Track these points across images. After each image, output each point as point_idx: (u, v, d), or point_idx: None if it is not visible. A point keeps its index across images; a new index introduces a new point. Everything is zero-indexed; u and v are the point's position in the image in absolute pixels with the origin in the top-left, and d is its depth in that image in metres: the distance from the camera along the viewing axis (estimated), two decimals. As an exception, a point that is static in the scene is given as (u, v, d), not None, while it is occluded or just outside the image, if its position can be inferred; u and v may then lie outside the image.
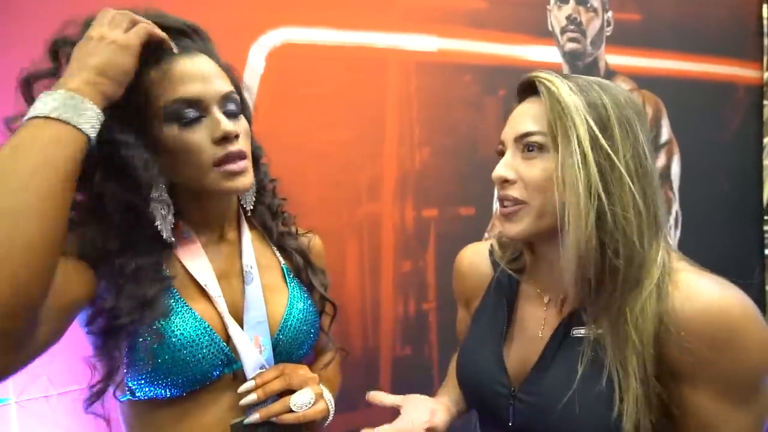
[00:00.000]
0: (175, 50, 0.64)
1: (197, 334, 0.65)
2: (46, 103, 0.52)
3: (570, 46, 1.41)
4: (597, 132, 0.60)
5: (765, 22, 1.68)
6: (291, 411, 0.69)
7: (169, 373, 0.64)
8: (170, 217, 0.66)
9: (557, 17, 1.40)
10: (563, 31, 1.40)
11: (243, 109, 0.72)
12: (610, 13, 1.46)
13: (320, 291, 0.81)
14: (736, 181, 1.67)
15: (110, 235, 0.63)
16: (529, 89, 0.68)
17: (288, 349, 0.75)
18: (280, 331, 0.74)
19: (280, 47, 1.15)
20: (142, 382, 0.64)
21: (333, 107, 1.18)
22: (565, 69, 1.41)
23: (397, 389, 1.24)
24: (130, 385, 0.65)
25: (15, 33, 0.91)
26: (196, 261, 0.70)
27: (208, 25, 0.75)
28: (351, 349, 1.21)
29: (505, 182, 0.66)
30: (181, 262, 0.69)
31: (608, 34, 1.46)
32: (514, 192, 0.65)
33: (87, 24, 0.61)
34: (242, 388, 0.68)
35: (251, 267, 0.75)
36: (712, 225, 1.64)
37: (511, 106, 0.71)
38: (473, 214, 1.31)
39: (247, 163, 0.68)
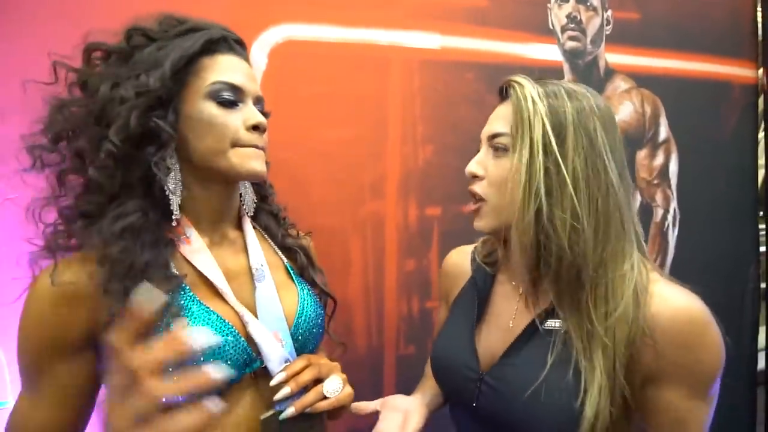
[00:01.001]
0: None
1: (223, 335, 0.65)
2: None
3: (570, 44, 1.42)
4: (551, 137, 0.64)
5: (760, 22, 1.70)
6: (324, 398, 0.69)
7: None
8: (180, 193, 0.67)
9: (558, 15, 1.40)
10: (564, 29, 1.41)
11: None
12: (609, 12, 1.46)
13: (322, 287, 0.83)
14: (733, 179, 1.69)
15: (127, 229, 0.62)
16: (506, 91, 0.73)
17: (302, 345, 0.75)
18: (295, 327, 0.74)
19: (282, 44, 1.14)
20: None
21: (335, 105, 1.18)
22: (566, 67, 1.41)
23: (401, 387, 1.24)
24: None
25: (17, 33, 0.90)
26: (204, 260, 0.69)
27: (211, 20, 0.75)
28: (355, 348, 1.20)
29: (474, 177, 0.72)
30: (188, 262, 0.68)
31: (608, 32, 1.47)
32: (477, 188, 0.71)
33: (126, 32, 0.67)
34: (274, 381, 0.67)
35: (262, 265, 0.75)
36: (709, 222, 1.66)
37: (497, 104, 0.75)
38: (476, 213, 1.31)
39: (265, 156, 0.71)
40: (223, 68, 0.68)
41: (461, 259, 0.87)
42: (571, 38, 1.42)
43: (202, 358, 0.62)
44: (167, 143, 0.65)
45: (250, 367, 0.68)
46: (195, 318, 0.64)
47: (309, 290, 0.80)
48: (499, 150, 0.69)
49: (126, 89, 0.63)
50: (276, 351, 0.69)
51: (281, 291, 0.76)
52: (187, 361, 0.61)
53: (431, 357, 0.81)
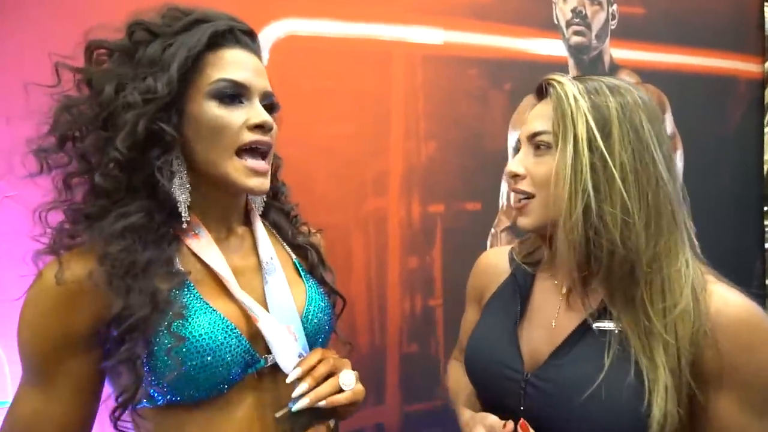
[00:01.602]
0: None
1: (224, 336, 0.63)
2: None
3: (575, 39, 1.40)
4: (595, 132, 0.64)
5: (766, 16, 1.68)
6: (340, 391, 0.67)
7: (194, 378, 0.61)
8: (187, 194, 0.66)
9: (563, 10, 1.38)
10: (569, 24, 1.39)
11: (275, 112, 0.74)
12: (614, 7, 1.45)
13: (331, 285, 0.81)
14: (738, 174, 1.68)
15: (129, 228, 0.61)
16: (545, 90, 0.72)
17: (311, 343, 0.74)
18: (302, 323, 0.73)
19: (284, 39, 1.13)
20: (165, 389, 0.61)
21: (338, 101, 1.16)
22: (571, 62, 1.40)
23: (403, 386, 1.23)
24: (151, 392, 0.62)
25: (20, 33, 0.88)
26: (213, 256, 0.68)
27: (218, 10, 0.74)
28: (358, 346, 1.19)
29: (515, 176, 0.71)
30: (196, 257, 0.67)
31: (613, 27, 1.45)
32: (523, 185, 0.70)
33: (128, 27, 0.65)
34: (290, 378, 0.65)
35: (272, 258, 0.74)
36: (714, 218, 1.64)
37: (532, 104, 0.75)
38: (479, 209, 1.30)
39: (268, 168, 0.69)
40: (227, 64, 0.66)
41: (498, 259, 0.87)
42: (577, 33, 1.40)
43: (204, 359, 0.61)
44: (171, 147, 0.64)
45: (252, 368, 0.67)
46: (197, 317, 0.62)
47: (317, 287, 0.79)
48: (541, 148, 0.69)
49: (133, 95, 0.61)
50: (289, 345, 0.67)
51: (290, 287, 0.74)
52: (188, 360, 0.60)
53: (466, 359, 0.79)
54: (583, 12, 1.40)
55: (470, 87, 1.28)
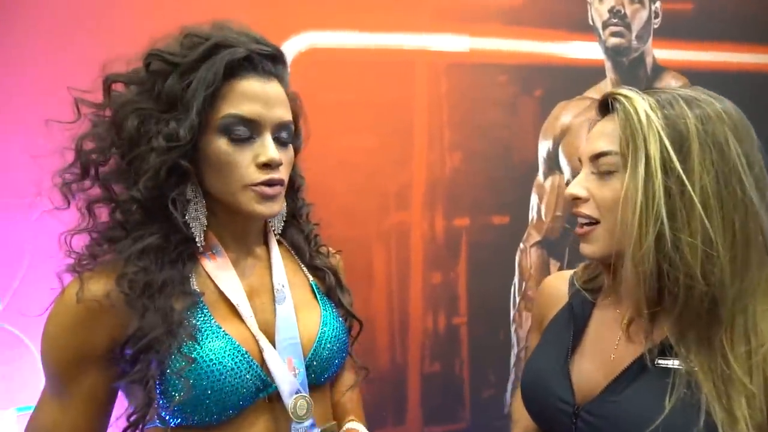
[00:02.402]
0: None
1: (235, 361, 0.62)
2: None
3: (613, 41, 1.31)
4: (670, 152, 0.57)
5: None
6: None
7: (204, 401, 0.60)
8: (203, 219, 0.66)
9: (599, 10, 1.30)
10: (605, 25, 1.30)
11: (295, 138, 0.73)
12: (657, 4, 1.35)
13: (348, 308, 0.78)
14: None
15: (147, 249, 0.62)
16: (608, 105, 0.65)
17: (322, 368, 0.71)
18: (315, 349, 0.71)
19: (306, 52, 1.12)
20: (175, 411, 0.61)
21: (359, 112, 1.14)
22: (608, 65, 1.31)
23: (425, 406, 1.19)
24: (162, 413, 0.61)
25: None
26: (227, 278, 0.67)
27: (238, 28, 0.73)
28: (378, 363, 1.16)
29: (577, 200, 0.65)
30: (211, 280, 0.67)
31: (656, 26, 1.35)
32: (586, 210, 0.64)
33: (145, 58, 0.64)
34: None
35: (283, 286, 0.72)
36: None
37: (592, 120, 0.69)
38: (507, 223, 1.23)
39: (280, 190, 0.68)
40: (238, 97, 0.64)
41: (559, 283, 0.81)
42: (614, 34, 1.31)
43: (214, 384, 0.60)
44: (187, 178, 0.64)
45: (264, 392, 0.65)
46: (209, 341, 0.62)
47: (333, 311, 0.76)
48: (605, 171, 0.62)
49: (158, 140, 0.61)
50: (288, 381, 0.66)
51: (304, 311, 0.73)
52: (198, 384, 0.59)
53: (521, 388, 0.75)
54: (622, 11, 1.31)
55: (498, 94, 1.23)
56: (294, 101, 0.73)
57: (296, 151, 0.75)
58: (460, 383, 1.20)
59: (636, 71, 1.33)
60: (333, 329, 0.73)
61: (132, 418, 0.61)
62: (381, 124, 1.16)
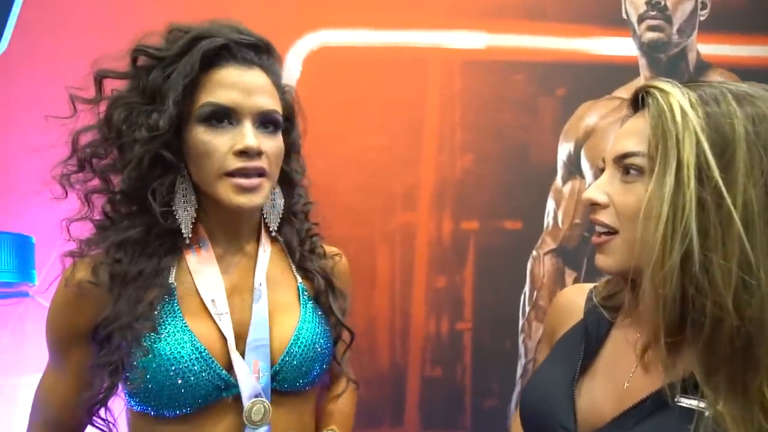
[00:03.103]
0: None
1: (191, 359, 0.63)
2: None
3: (650, 35, 1.21)
4: (709, 158, 0.49)
5: None
6: None
7: (157, 394, 0.62)
8: (191, 211, 0.67)
9: (634, 3, 1.20)
10: (642, 18, 1.20)
11: (288, 131, 0.72)
12: (706, -6, 1.22)
13: (337, 317, 0.74)
14: None
15: (126, 241, 0.65)
16: (641, 100, 0.57)
17: (292, 375, 0.69)
18: (285, 355, 0.69)
19: (317, 51, 1.13)
20: (138, 399, 0.64)
21: (369, 111, 1.14)
22: (643, 62, 1.21)
23: (424, 409, 1.17)
24: (126, 397, 0.65)
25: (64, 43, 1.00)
26: (207, 274, 0.68)
27: (222, 21, 0.75)
28: (377, 363, 1.16)
29: (595, 205, 0.58)
30: (191, 274, 0.68)
31: (702, 18, 1.22)
32: (604, 217, 0.57)
33: (131, 54, 0.66)
34: None
35: (261, 284, 0.72)
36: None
37: (624, 118, 0.62)
38: (520, 229, 1.18)
39: (262, 182, 0.66)
40: (215, 86, 0.65)
41: (576, 296, 0.74)
42: (652, 28, 1.20)
43: (168, 378, 0.62)
44: (171, 169, 0.66)
45: (228, 391, 0.65)
46: (169, 334, 0.63)
47: (318, 316, 0.74)
48: (630, 173, 0.55)
49: (140, 131, 0.64)
50: (249, 384, 0.65)
51: (280, 314, 0.71)
52: (152, 375, 0.61)
53: (520, 405, 0.70)
54: (662, 3, 1.20)
55: (516, 94, 1.17)
56: (286, 93, 0.72)
57: (293, 145, 0.74)
58: (461, 390, 1.17)
59: (676, 68, 1.22)
60: (310, 335, 0.71)
61: (94, 399, 0.64)
62: (391, 123, 1.15)
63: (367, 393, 1.14)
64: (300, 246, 0.77)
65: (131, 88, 0.67)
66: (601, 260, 0.58)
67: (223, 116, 0.64)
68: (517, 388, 1.18)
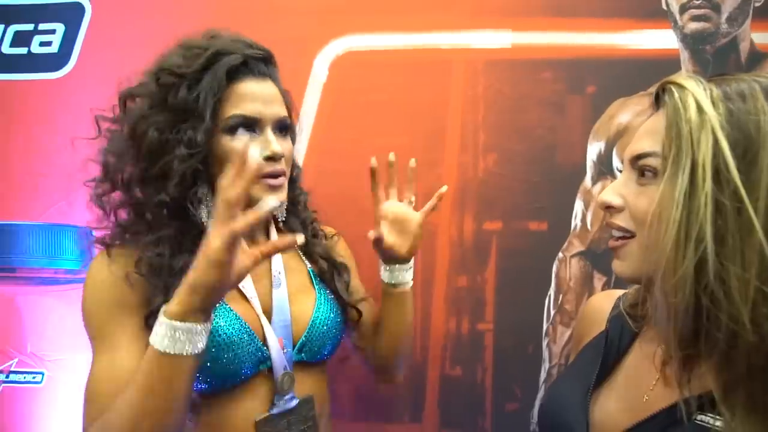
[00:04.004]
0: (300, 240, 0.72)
1: (240, 334, 0.72)
2: (161, 337, 0.58)
3: (694, 26, 1.13)
4: (728, 159, 0.46)
5: None
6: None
7: (212, 370, 0.71)
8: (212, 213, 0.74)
9: (676, -8, 1.13)
10: (685, 7, 1.12)
11: (290, 131, 0.81)
12: (762, -22, 1.12)
13: (341, 294, 0.85)
14: None
15: (163, 239, 0.72)
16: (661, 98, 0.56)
17: (316, 346, 0.79)
18: (308, 331, 0.79)
19: (343, 56, 1.17)
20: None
21: (392, 113, 1.16)
22: (684, 56, 1.13)
23: (443, 408, 1.18)
24: None
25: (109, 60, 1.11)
26: None
27: (275, 38, 0.82)
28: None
29: (609, 208, 0.57)
30: None
31: (758, 3, 1.12)
32: (619, 220, 0.55)
33: (153, 74, 0.72)
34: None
35: (279, 272, 0.82)
36: None
37: (648, 114, 0.61)
38: (546, 230, 1.15)
39: (284, 181, 0.76)
40: (238, 99, 0.72)
41: (604, 303, 0.72)
42: (696, 18, 1.12)
43: (221, 352, 0.69)
44: (198, 180, 0.72)
45: (264, 364, 0.75)
46: (218, 317, 0.71)
47: (328, 295, 0.84)
48: (645, 175, 0.53)
49: (180, 149, 0.69)
50: (280, 357, 0.75)
51: (299, 295, 0.81)
52: (209, 354, 0.66)
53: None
54: (708, -9, 1.11)
55: (542, 92, 1.14)
56: (286, 97, 0.80)
57: (293, 143, 0.82)
58: (481, 392, 1.17)
59: (724, 60, 1.13)
60: (326, 312, 0.81)
61: None
62: (413, 125, 1.16)
63: (387, 387, 1.17)
64: (304, 232, 0.86)
65: (153, 105, 0.72)
66: (617, 265, 0.56)
67: (248, 125, 0.72)
68: (540, 393, 1.16)
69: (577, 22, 1.13)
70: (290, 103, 0.81)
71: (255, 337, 0.73)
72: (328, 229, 0.94)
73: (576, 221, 1.15)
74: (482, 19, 1.14)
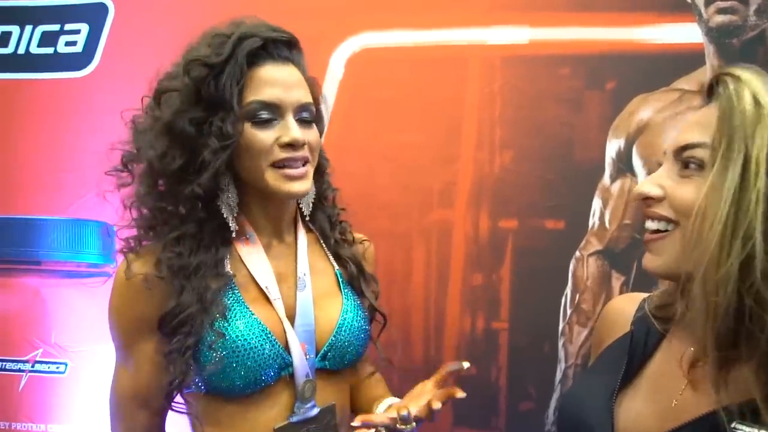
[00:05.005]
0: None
1: (260, 340, 0.69)
2: None
3: (719, 19, 1.09)
4: None
5: None
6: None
7: (230, 374, 0.68)
8: (233, 206, 0.72)
9: (701, -16, 1.10)
10: (710, 0, 1.09)
11: (318, 121, 0.77)
12: (793, -31, 1.08)
13: (371, 301, 0.81)
14: None
15: (184, 236, 0.70)
16: (713, 89, 0.54)
17: (340, 353, 0.76)
18: (333, 337, 0.75)
19: (359, 53, 1.18)
20: (207, 379, 0.67)
21: (408, 109, 1.16)
22: (710, 50, 1.10)
23: (456, 406, 1.17)
24: (195, 380, 0.68)
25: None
26: (259, 262, 0.74)
27: (258, 20, 0.77)
28: (411, 360, 1.19)
29: (648, 199, 0.54)
30: (243, 263, 0.74)
31: (789, -4, 1.09)
32: (661, 209, 0.53)
33: (184, 67, 0.70)
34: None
35: (305, 274, 0.78)
36: None
37: (694, 108, 0.60)
38: (562, 228, 1.14)
39: (307, 169, 0.72)
40: (259, 84, 0.69)
41: (626, 305, 0.70)
42: (723, 11, 1.09)
43: (239, 358, 0.67)
44: (225, 168, 0.70)
45: (285, 370, 0.71)
46: (237, 319, 0.69)
47: (356, 301, 0.79)
48: (690, 167, 0.51)
49: (213, 141, 0.68)
50: (302, 363, 0.72)
51: (325, 299, 0.77)
52: (226, 357, 0.66)
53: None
54: (735, -17, 1.08)
55: (560, 89, 1.13)
56: (312, 85, 0.75)
57: (321, 134, 0.77)
58: (495, 391, 1.16)
59: (752, 54, 1.09)
60: (353, 319, 0.76)
61: (173, 384, 0.68)
62: (429, 121, 1.16)
63: (400, 385, 1.17)
64: (332, 230, 0.83)
65: (187, 100, 0.70)
66: (650, 260, 0.54)
67: (268, 112, 0.69)
68: (556, 394, 1.14)
69: (596, 17, 1.11)
70: (316, 91, 0.77)
71: (277, 343, 0.69)
72: (358, 235, 0.88)
73: (594, 219, 1.13)
74: (499, 15, 1.13)
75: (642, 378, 0.59)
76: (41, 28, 1.22)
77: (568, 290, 1.14)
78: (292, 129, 0.69)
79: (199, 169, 0.69)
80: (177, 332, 0.67)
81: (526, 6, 1.13)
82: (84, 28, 1.21)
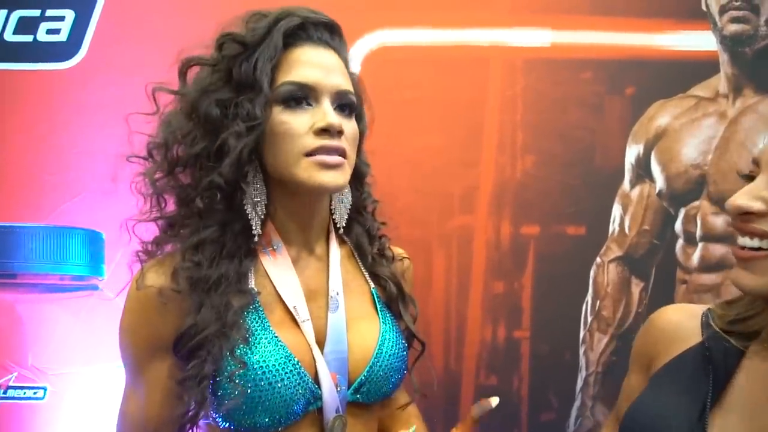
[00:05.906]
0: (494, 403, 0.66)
1: (286, 371, 0.60)
2: None
3: (734, 28, 1.12)
4: None
5: None
6: None
7: (252, 409, 0.59)
8: (262, 207, 0.64)
9: (716, -7, 1.12)
10: (724, 9, 1.11)
11: (358, 119, 0.69)
12: (799, -19, 1.12)
13: (409, 325, 0.71)
14: None
15: (204, 242, 0.62)
16: None
17: (378, 385, 0.66)
18: (371, 366, 0.66)
19: (376, 51, 1.12)
20: (228, 414, 0.59)
21: (427, 111, 1.12)
22: (724, 58, 1.12)
23: (478, 419, 1.14)
24: (213, 415, 0.61)
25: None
26: (286, 278, 0.65)
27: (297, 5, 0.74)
28: (430, 370, 1.14)
29: (746, 214, 0.51)
30: (269, 278, 0.65)
31: (796, 8, 1.12)
32: (763, 225, 0.50)
33: (217, 40, 0.64)
34: None
35: (338, 293, 0.68)
36: None
37: None
38: (584, 234, 1.12)
39: (343, 161, 0.63)
40: (294, 65, 0.62)
41: (684, 319, 0.67)
42: (736, 20, 1.11)
43: (263, 393, 0.59)
44: (252, 159, 0.62)
45: (314, 404, 0.62)
46: (261, 345, 0.60)
47: (394, 324, 0.70)
48: None
49: (239, 124, 0.61)
50: (333, 397, 0.63)
51: (360, 322, 0.68)
52: (247, 390, 0.58)
53: (626, 423, 0.63)
54: (748, -7, 1.11)
55: (581, 93, 1.12)
56: (356, 82, 0.68)
57: (362, 135, 0.69)
58: (517, 401, 1.13)
59: (764, 62, 1.12)
60: (392, 345, 0.67)
61: (186, 417, 0.60)
62: (450, 124, 1.12)
63: (421, 397, 1.12)
64: (370, 246, 0.73)
65: (217, 79, 0.63)
66: (746, 278, 0.51)
67: (302, 95, 0.61)
68: (577, 403, 1.13)
69: (615, 22, 1.11)
70: (360, 90, 0.70)
71: (305, 374, 0.61)
72: (397, 250, 0.79)
73: (614, 225, 1.13)
74: (521, 17, 1.11)
75: (728, 398, 0.55)
76: (18, 13, 1.09)
77: (589, 297, 1.13)
78: (328, 114, 0.60)
79: (221, 156, 0.61)
80: (193, 356, 0.58)
81: (548, 8, 1.11)
82: (69, 14, 1.09)
